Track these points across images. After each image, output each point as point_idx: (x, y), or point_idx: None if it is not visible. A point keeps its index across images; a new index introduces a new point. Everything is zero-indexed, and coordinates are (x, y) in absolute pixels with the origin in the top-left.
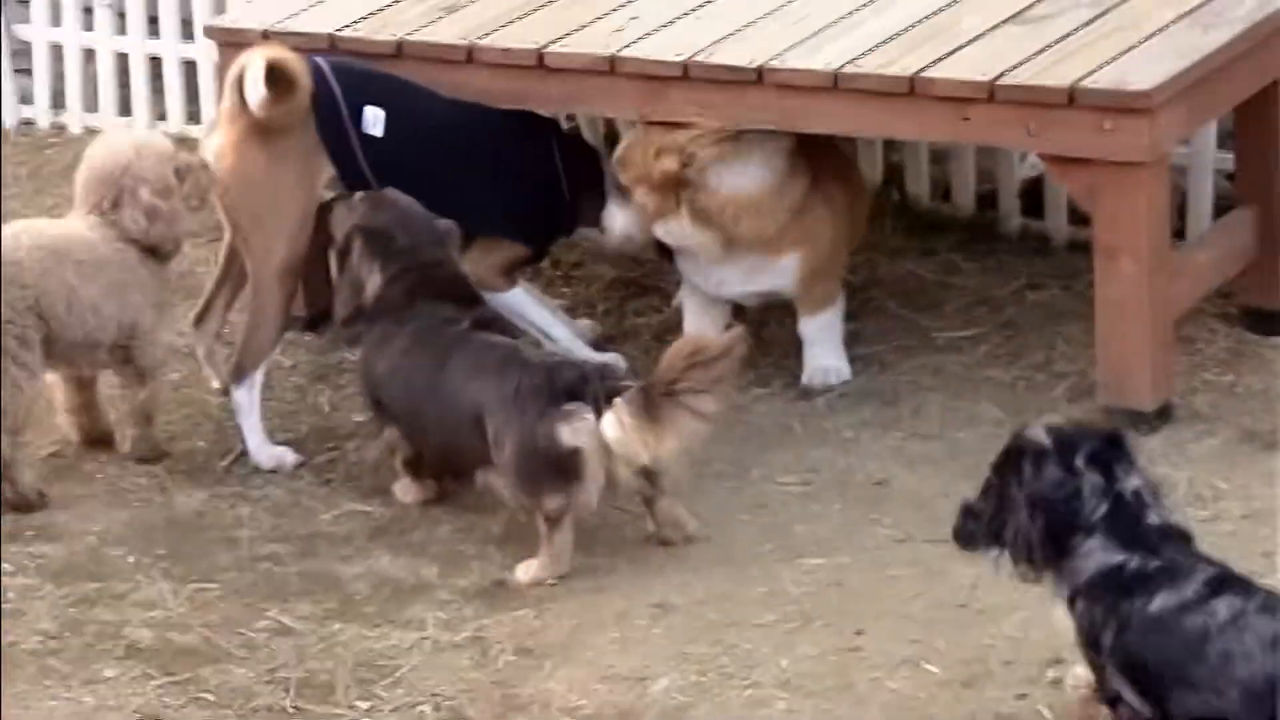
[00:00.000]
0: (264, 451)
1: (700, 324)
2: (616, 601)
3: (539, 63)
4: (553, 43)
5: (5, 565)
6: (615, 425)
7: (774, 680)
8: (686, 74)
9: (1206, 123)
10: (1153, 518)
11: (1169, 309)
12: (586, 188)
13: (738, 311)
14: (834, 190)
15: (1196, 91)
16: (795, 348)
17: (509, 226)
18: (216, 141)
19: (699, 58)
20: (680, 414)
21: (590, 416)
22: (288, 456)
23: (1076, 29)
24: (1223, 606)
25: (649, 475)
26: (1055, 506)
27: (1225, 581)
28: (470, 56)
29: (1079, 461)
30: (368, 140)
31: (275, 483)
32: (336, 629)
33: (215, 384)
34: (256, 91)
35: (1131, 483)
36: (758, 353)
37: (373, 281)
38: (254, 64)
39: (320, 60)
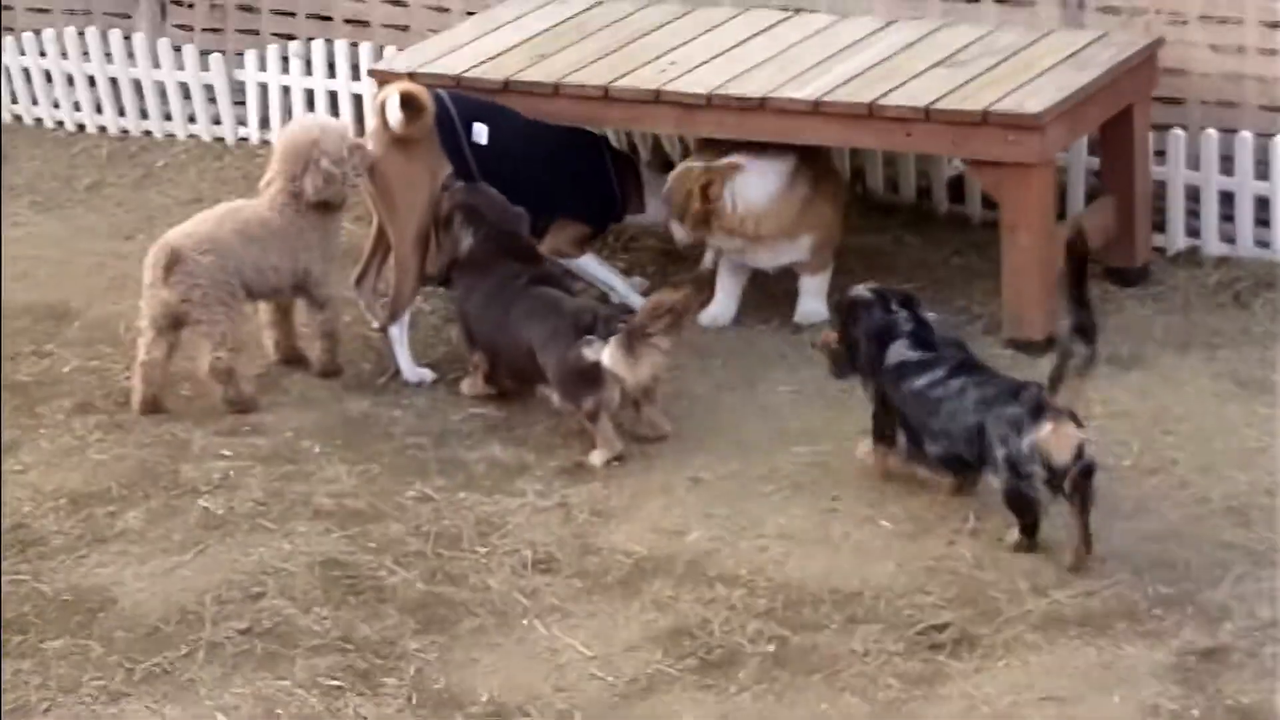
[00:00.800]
0: (412, 371)
1: (733, 281)
2: (661, 477)
3: (605, 95)
4: (615, 80)
5: (225, 452)
6: (609, 356)
7: (774, 533)
8: (710, 103)
9: (1080, 135)
10: (939, 332)
11: (1054, 269)
12: (629, 185)
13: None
14: (827, 185)
15: (1073, 114)
16: (786, 295)
17: (576, 210)
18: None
19: (719, 90)
20: (649, 350)
21: (600, 343)
22: (427, 375)
23: (987, 69)
24: (955, 382)
25: (642, 389)
26: (881, 333)
27: (964, 366)
28: (557, 91)
29: (892, 304)
30: (476, 148)
31: (419, 394)
32: (462, 497)
33: (375, 325)
34: (394, 115)
35: (928, 315)
36: (762, 294)
37: (465, 243)
38: (392, 95)
39: (441, 92)
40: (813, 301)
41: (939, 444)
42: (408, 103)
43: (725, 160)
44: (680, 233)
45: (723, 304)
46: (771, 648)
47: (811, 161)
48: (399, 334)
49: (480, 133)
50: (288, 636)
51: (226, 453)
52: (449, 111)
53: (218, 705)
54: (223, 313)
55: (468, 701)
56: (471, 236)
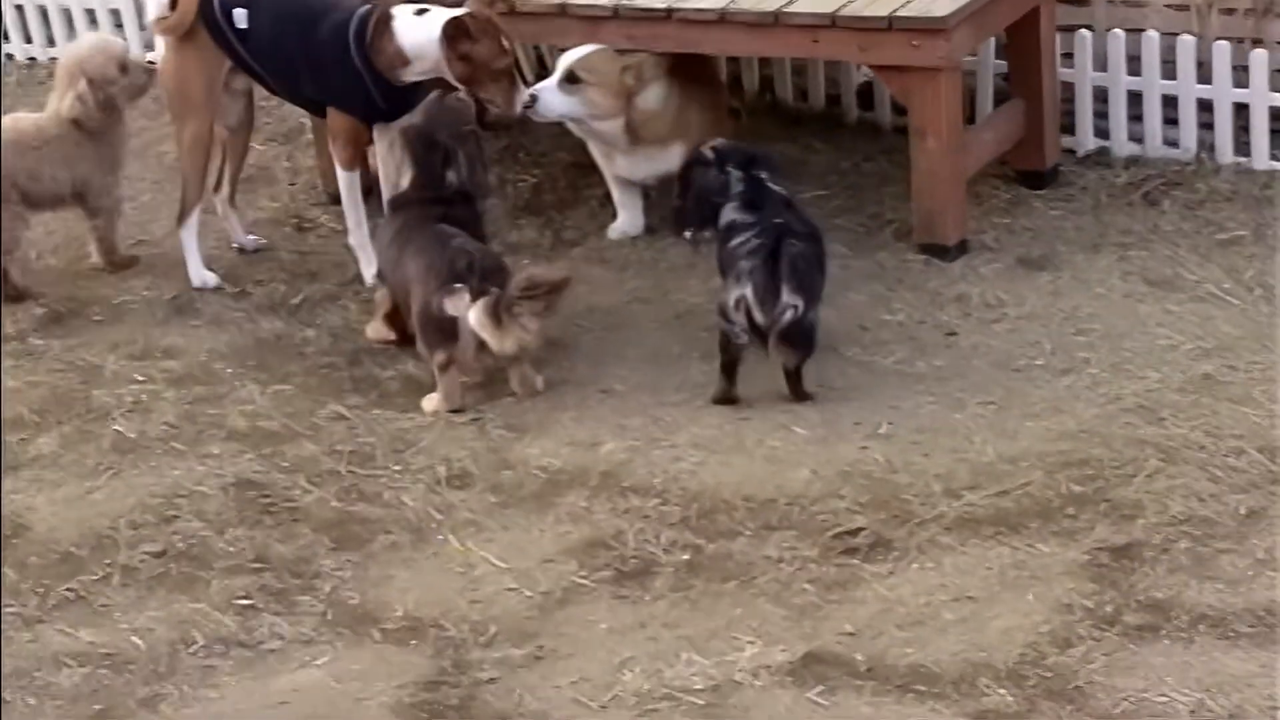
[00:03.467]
0: (199, 275)
1: (627, 194)
2: (575, 390)
3: (511, 9)
4: None
5: (138, 376)
6: (474, 318)
7: (687, 442)
8: (616, 14)
9: (987, 39)
10: (771, 191)
11: (963, 173)
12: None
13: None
14: (705, 95)
15: (979, 17)
16: None
17: (336, 97)
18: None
19: (624, 2)
20: (513, 325)
21: (467, 297)
22: (211, 279)
23: None
24: (757, 239)
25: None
26: (711, 193)
27: (767, 230)
28: (461, 4)
29: (728, 165)
30: (239, 33)
31: (332, 313)
32: (376, 414)
33: (234, 243)
34: (153, 12)
35: (764, 175)
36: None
37: (404, 179)
38: None
39: None
40: None
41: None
42: (171, 3)
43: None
44: (561, 103)
45: (628, 216)
46: (686, 556)
47: (687, 70)
48: (188, 238)
49: (240, 17)
50: (202, 558)
51: (139, 377)
52: (211, 2)
53: (133, 628)
54: None
55: (383, 617)
56: (410, 172)
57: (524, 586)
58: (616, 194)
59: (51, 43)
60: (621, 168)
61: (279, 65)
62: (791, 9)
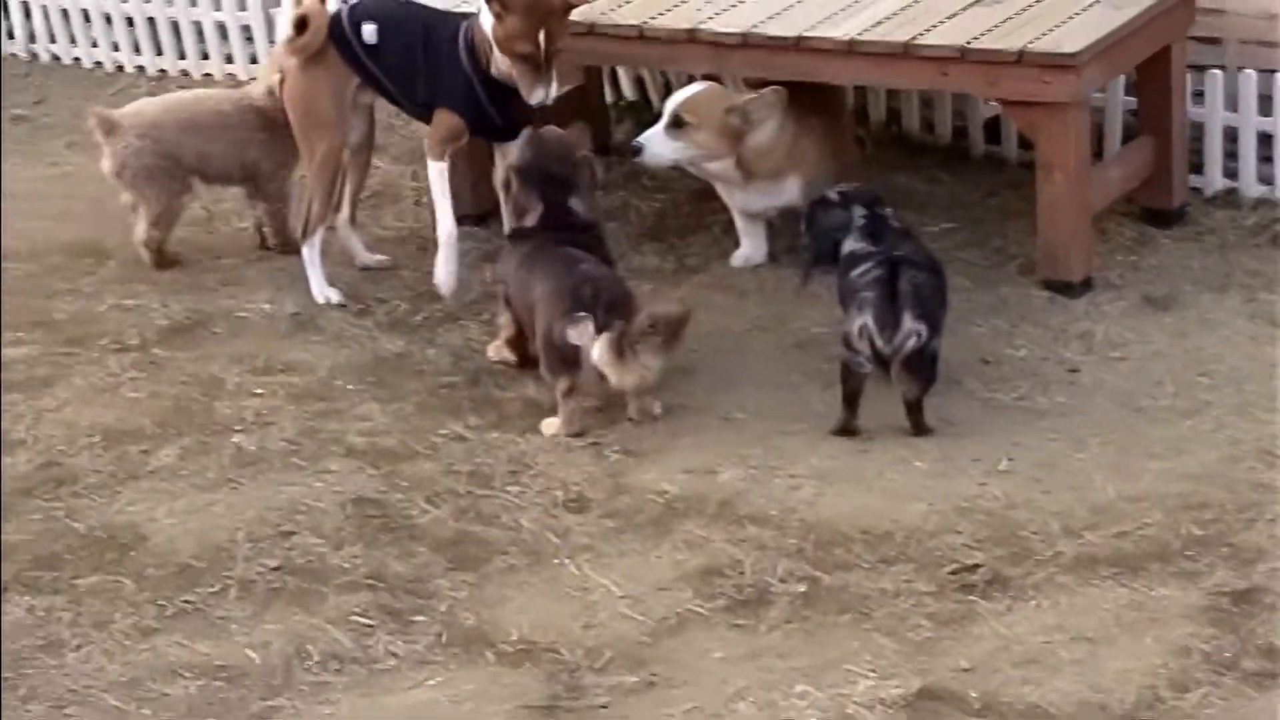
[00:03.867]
0: (321, 290)
1: (748, 224)
2: (693, 416)
3: (640, 35)
4: (650, 19)
5: (259, 390)
6: (597, 352)
7: (806, 472)
8: (745, 42)
9: (1117, 75)
10: (892, 224)
11: (1089, 209)
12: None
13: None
14: (816, 124)
15: (1110, 53)
16: None
17: (446, 98)
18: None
19: (754, 29)
20: (634, 363)
21: (591, 327)
22: (334, 295)
23: (1024, 9)
24: (877, 268)
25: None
26: (833, 229)
27: (888, 260)
28: (592, 30)
29: (850, 203)
30: (369, 49)
31: (453, 333)
32: (494, 436)
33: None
34: (283, 32)
35: (884, 211)
36: (796, 234)
37: (532, 215)
38: (284, 15)
39: (347, 7)
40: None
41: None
42: (300, 24)
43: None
44: (668, 147)
45: (751, 245)
46: (802, 587)
47: (805, 100)
48: (311, 254)
49: (370, 33)
50: (319, 574)
51: (260, 391)
52: (340, 18)
53: (249, 642)
54: (154, 191)
55: (498, 639)
56: (537, 207)
57: (638, 613)
58: (739, 223)
59: (182, 56)
60: (739, 201)
61: (401, 75)
62: (921, 40)
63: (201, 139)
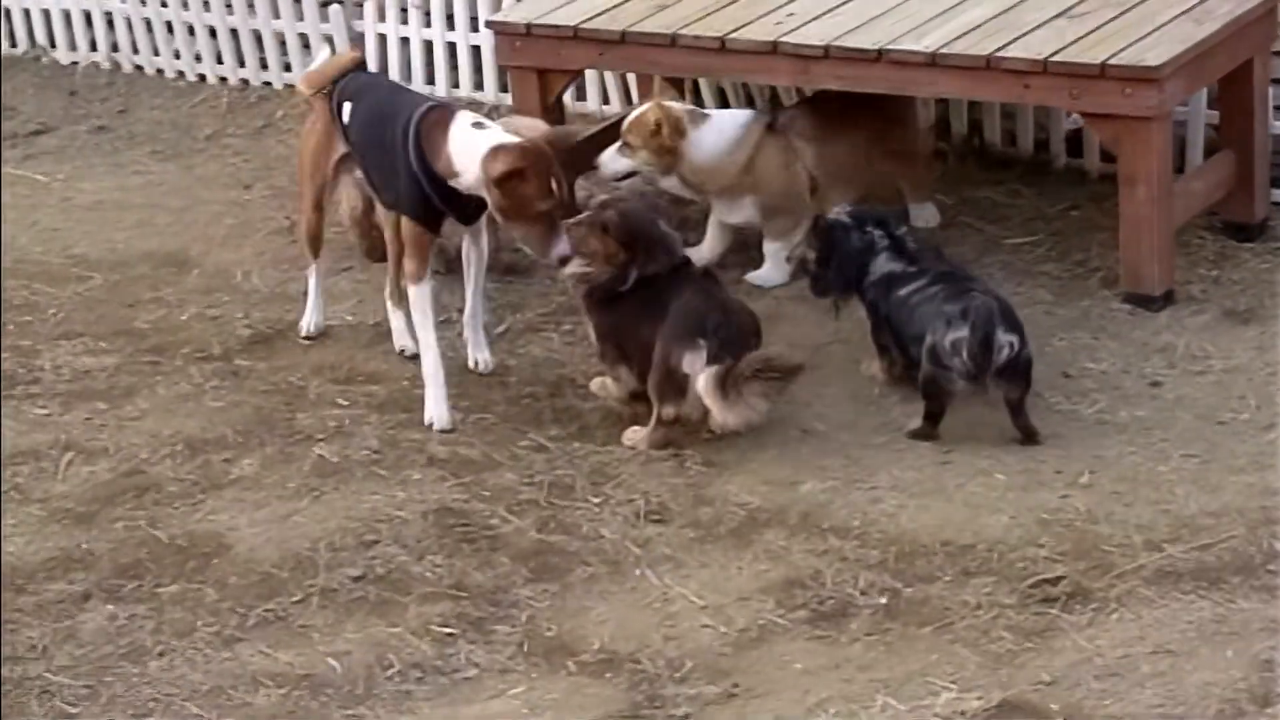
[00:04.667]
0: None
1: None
2: (774, 428)
3: (721, 46)
4: (731, 31)
5: (341, 400)
6: (704, 384)
7: (887, 484)
8: (827, 54)
9: (1199, 89)
10: (914, 244)
11: (1171, 222)
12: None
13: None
14: (787, 153)
15: (1193, 67)
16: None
17: (401, 202)
18: None
19: (836, 42)
20: (740, 403)
21: (703, 357)
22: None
23: (1106, 22)
24: (933, 289)
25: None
26: (857, 252)
27: (944, 276)
28: (673, 42)
29: (866, 226)
30: (343, 126)
31: (534, 344)
32: (576, 446)
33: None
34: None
35: (901, 230)
36: None
37: (628, 279)
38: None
39: (351, 71)
40: (768, 267)
41: (915, 348)
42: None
43: (689, 107)
44: (619, 162)
45: (770, 266)
46: (883, 599)
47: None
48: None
49: (346, 111)
50: (400, 583)
51: (342, 401)
52: (334, 89)
53: (330, 651)
54: None
55: (580, 649)
56: (642, 260)
57: (720, 623)
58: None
59: (264, 66)
60: (716, 212)
61: (374, 166)
62: (1004, 53)
63: None
